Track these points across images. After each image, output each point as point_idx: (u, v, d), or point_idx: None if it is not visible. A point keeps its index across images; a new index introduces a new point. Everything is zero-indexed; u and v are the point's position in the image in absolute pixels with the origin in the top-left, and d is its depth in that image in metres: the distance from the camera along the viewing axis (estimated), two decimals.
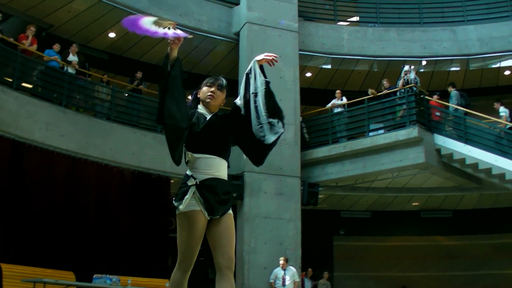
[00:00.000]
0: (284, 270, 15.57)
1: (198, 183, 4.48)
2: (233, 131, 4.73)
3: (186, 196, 4.46)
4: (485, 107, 19.10)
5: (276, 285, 15.61)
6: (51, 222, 14.51)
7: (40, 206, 14.45)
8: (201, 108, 4.71)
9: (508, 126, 16.92)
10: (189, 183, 4.49)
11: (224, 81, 4.79)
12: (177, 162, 4.53)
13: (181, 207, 4.45)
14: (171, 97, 4.29)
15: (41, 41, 16.61)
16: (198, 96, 4.77)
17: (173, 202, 4.53)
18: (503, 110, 17.47)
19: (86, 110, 16.41)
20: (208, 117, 4.64)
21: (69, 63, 16.02)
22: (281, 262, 15.59)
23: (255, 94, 4.79)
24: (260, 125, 4.68)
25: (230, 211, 4.67)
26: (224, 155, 4.65)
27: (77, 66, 16.17)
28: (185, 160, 4.61)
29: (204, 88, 4.73)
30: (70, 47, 16.41)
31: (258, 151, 4.79)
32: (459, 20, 20.52)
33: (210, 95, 4.69)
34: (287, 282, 15.49)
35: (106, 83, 17.29)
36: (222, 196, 4.56)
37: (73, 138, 15.10)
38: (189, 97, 4.84)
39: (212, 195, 4.49)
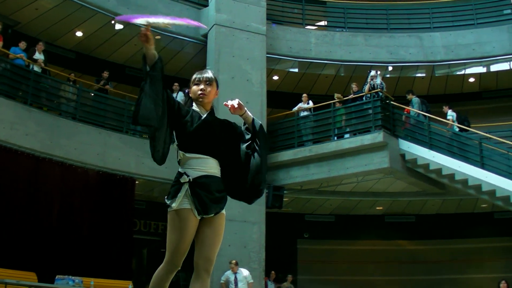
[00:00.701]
0: (235, 273, 15.46)
1: (191, 180, 4.37)
2: (229, 142, 4.63)
3: (179, 194, 4.35)
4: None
5: None
6: (14, 222, 14.34)
7: (2, 206, 14.27)
8: (195, 107, 4.58)
9: (456, 129, 17.30)
10: (182, 180, 4.38)
11: (211, 73, 4.62)
12: (158, 162, 4.41)
13: (173, 205, 4.34)
14: (146, 97, 4.16)
15: (7, 38, 16.40)
16: (190, 95, 4.62)
17: (165, 200, 4.40)
18: (450, 114, 17.89)
19: (52, 109, 16.25)
20: (204, 116, 4.51)
21: (35, 61, 15.86)
22: (231, 265, 15.50)
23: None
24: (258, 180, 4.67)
25: (223, 211, 4.56)
26: (217, 155, 4.53)
27: (43, 65, 16.02)
28: (176, 159, 4.50)
29: (194, 87, 4.56)
30: (37, 45, 16.25)
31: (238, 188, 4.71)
32: (426, 27, 20.75)
33: (201, 94, 4.53)
34: (239, 285, 15.44)
35: (72, 82, 17.14)
36: (216, 194, 4.44)
37: (38, 138, 14.95)
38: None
39: (206, 193, 4.38)
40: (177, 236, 4.35)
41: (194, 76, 4.62)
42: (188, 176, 4.39)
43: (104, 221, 15.98)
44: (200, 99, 4.54)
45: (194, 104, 4.60)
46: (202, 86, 4.55)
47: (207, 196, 4.39)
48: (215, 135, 4.52)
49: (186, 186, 4.37)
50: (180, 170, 4.47)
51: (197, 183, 4.39)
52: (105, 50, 19.63)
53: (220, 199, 4.50)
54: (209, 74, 4.61)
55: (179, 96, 17.35)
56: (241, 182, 4.64)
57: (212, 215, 4.47)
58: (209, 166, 4.48)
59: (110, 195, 16.29)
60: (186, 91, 4.72)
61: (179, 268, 4.41)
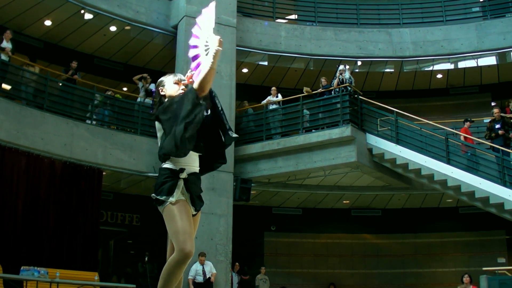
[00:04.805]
0: (203, 265, 15.85)
1: (187, 176, 4.53)
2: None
3: (176, 189, 4.47)
4: (418, 109, 19.51)
5: (197, 280, 15.78)
6: None
7: None
8: None
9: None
10: (182, 176, 4.52)
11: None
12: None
13: (172, 199, 4.44)
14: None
15: None
16: (163, 93, 4.80)
17: (158, 197, 4.48)
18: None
19: (18, 98, 16.05)
20: None
21: (3, 49, 15.68)
22: (202, 258, 15.88)
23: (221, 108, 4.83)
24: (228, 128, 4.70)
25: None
26: (197, 150, 4.64)
27: (10, 53, 15.85)
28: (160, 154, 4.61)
29: (175, 86, 4.79)
30: (4, 33, 16.05)
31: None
32: (395, 23, 20.89)
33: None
34: (208, 275, 15.82)
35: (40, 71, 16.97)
36: (199, 191, 4.66)
37: (4, 127, 14.70)
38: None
39: (194, 189, 4.58)
40: (179, 221, 4.43)
41: (172, 77, 4.90)
42: (181, 172, 4.54)
43: (70, 212, 15.84)
44: None
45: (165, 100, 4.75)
46: (183, 87, 4.79)
47: (195, 192, 4.60)
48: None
49: (182, 182, 4.51)
50: (169, 166, 4.57)
51: (189, 179, 4.56)
52: (73, 40, 19.44)
53: (201, 196, 4.71)
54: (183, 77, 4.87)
55: (152, 87, 17.36)
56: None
57: (195, 212, 4.66)
58: (195, 162, 4.66)
59: (76, 186, 16.14)
60: (156, 90, 4.86)
61: (192, 256, 4.44)
